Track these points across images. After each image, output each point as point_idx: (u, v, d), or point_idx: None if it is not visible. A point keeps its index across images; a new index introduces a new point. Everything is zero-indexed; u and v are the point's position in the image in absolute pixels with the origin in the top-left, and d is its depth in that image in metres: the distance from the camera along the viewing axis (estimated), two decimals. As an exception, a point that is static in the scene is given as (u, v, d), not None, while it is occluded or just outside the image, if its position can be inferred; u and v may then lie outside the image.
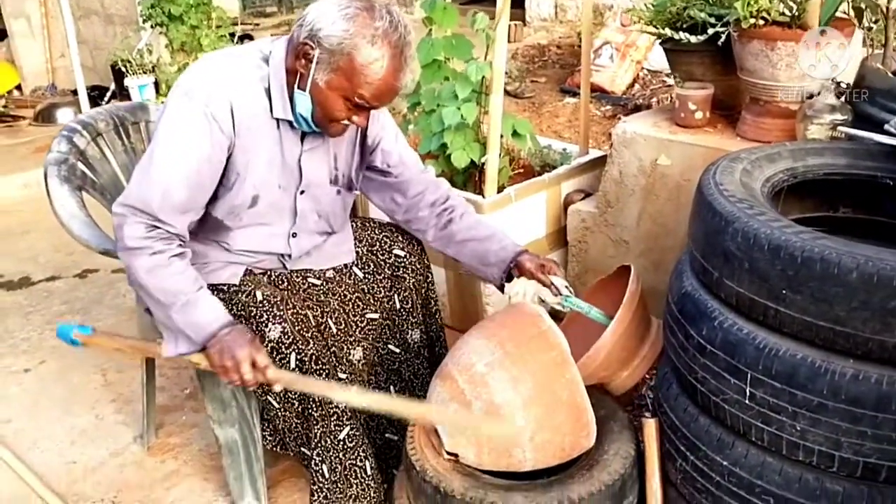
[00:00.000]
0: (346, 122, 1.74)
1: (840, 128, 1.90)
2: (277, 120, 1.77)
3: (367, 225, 2.10)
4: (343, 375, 1.98)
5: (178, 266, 1.70)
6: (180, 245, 1.73)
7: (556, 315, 1.88)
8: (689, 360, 1.55)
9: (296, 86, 1.72)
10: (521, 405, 1.61)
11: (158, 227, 1.68)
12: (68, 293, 3.25)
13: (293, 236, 1.92)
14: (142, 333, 2.16)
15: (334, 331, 2.02)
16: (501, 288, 1.97)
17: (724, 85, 2.31)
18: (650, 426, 1.70)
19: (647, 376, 2.06)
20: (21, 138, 4.93)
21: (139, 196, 1.67)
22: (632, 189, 2.43)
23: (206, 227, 1.84)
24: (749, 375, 1.41)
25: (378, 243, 2.06)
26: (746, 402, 1.43)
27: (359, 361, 2.02)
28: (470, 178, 2.66)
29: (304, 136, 1.82)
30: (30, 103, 5.46)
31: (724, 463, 1.51)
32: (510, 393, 1.61)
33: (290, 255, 1.94)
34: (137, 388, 2.24)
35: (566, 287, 1.91)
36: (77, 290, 3.28)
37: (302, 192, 1.87)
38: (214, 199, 1.78)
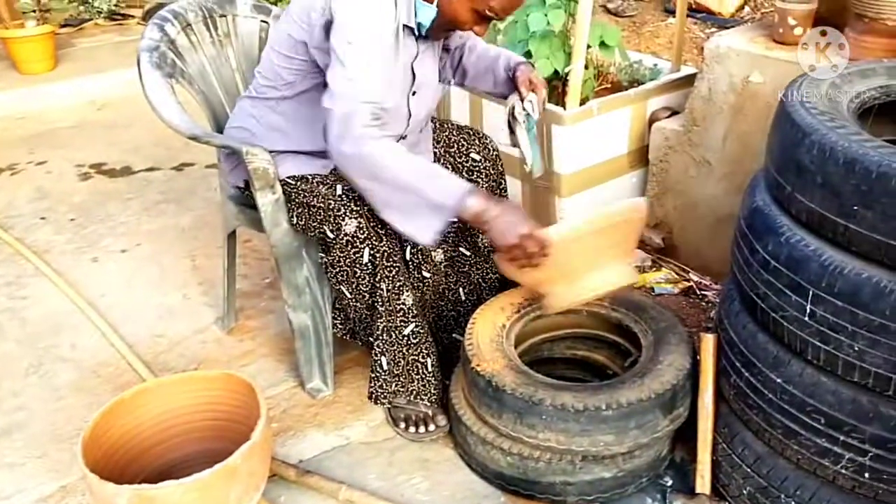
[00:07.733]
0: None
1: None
2: (399, 26, 1.76)
3: (446, 126, 2.11)
4: (427, 274, 2.04)
5: (403, 146, 1.75)
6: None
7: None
8: (752, 275, 1.53)
9: None
10: None
11: (380, 114, 1.68)
12: (165, 183, 3.42)
13: (403, 138, 1.94)
14: (226, 222, 2.27)
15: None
16: None
17: (828, 1, 2.18)
18: (707, 341, 1.70)
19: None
20: (129, 36, 5.08)
21: (358, 88, 1.67)
22: (720, 107, 2.35)
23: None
24: (811, 293, 1.38)
25: (455, 145, 2.08)
26: (806, 319, 1.40)
27: (440, 262, 2.07)
28: (553, 90, 2.61)
29: (417, 39, 1.83)
30: (139, 3, 5.60)
31: (778, 380, 1.50)
32: None
33: None
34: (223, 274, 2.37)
35: (532, 110, 1.95)
36: (173, 181, 3.45)
37: (414, 94, 1.89)
38: None
